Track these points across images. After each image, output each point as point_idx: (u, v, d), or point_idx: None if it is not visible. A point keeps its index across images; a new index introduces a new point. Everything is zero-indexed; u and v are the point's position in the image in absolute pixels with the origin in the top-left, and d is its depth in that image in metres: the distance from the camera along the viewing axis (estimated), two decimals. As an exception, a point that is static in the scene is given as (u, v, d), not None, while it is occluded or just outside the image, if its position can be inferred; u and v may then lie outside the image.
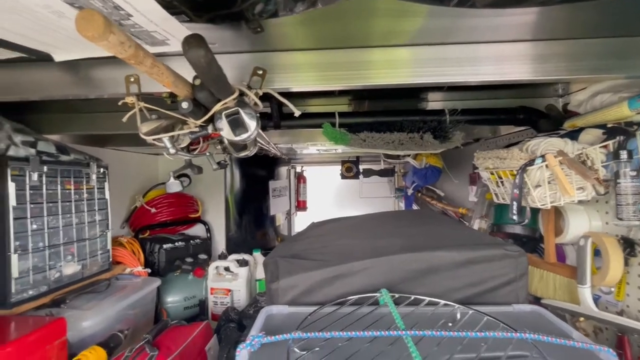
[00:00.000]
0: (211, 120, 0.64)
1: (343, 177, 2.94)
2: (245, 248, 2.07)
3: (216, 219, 2.31)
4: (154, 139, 0.68)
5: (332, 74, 0.75)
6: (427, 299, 0.67)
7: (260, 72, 0.67)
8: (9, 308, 1.07)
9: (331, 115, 1.11)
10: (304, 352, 0.51)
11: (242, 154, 0.81)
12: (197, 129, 0.64)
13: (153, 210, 1.86)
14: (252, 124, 0.60)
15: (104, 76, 0.79)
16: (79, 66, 0.78)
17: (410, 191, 1.73)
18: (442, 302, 0.66)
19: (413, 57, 0.75)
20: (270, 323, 0.67)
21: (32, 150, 1.19)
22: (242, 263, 1.82)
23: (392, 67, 0.75)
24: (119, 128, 1.35)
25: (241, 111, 0.59)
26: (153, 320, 1.58)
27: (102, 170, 1.50)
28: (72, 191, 1.35)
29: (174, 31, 0.59)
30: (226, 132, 0.60)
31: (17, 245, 1.11)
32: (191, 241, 1.96)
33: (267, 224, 2.65)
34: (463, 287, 0.72)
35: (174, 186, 1.21)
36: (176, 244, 1.87)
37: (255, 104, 0.64)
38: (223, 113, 0.59)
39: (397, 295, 0.69)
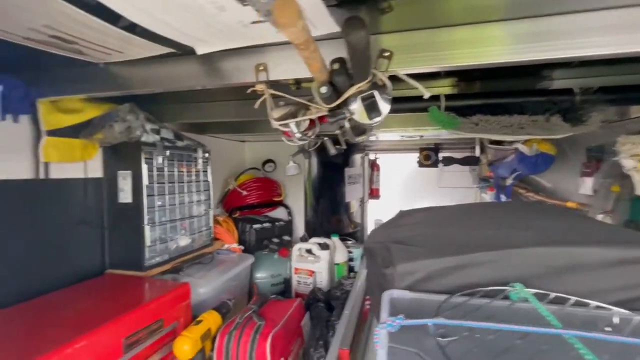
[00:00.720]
0: (339, 105, 0.64)
1: (420, 165, 2.83)
2: (321, 232, 2.14)
3: (296, 203, 2.41)
4: (280, 124, 0.72)
5: (414, 55, 0.70)
6: (574, 298, 0.60)
7: (387, 54, 0.66)
8: (144, 271, 1.27)
9: (435, 98, 1.05)
10: (454, 338, 0.50)
11: (359, 139, 0.82)
12: (327, 113, 0.66)
13: (244, 192, 2.01)
14: (385, 107, 0.60)
15: (232, 66, 0.85)
16: (212, 58, 0.86)
17: (509, 181, 1.58)
18: (595, 303, 0.59)
19: (507, 33, 0.66)
20: (394, 307, 0.67)
21: (157, 137, 1.36)
22: (324, 246, 1.87)
23: (481, 46, 0.67)
24: (216, 116, 1.46)
25: (376, 94, 0.58)
26: (247, 293, 1.73)
27: (206, 155, 1.67)
28: (185, 173, 1.52)
29: (315, 16, 0.61)
30: (359, 116, 0.60)
31: (148, 219, 1.30)
32: (276, 223, 2.09)
33: (342, 211, 2.69)
34: (614, 289, 0.63)
35: (293, 169, 1.28)
36: (264, 224, 2.01)
37: (384, 85, 0.63)
38: (359, 96, 0.59)
39: (532, 291, 0.64)
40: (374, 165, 3.05)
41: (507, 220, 0.91)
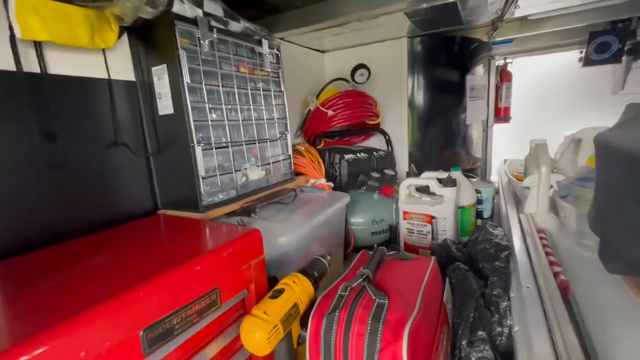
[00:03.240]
0: None
1: (587, 62, 1.85)
2: (430, 168, 1.50)
3: (395, 129, 1.80)
4: None
5: None
6: None
7: None
8: (201, 211, 0.88)
9: None
10: None
11: None
12: None
13: (330, 112, 1.48)
14: None
15: None
16: None
17: None
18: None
19: None
20: None
21: (199, 11, 0.88)
22: (448, 182, 1.26)
23: None
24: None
25: None
26: (343, 244, 1.29)
27: (275, 51, 1.15)
28: (247, 76, 1.04)
29: None
30: None
31: (199, 137, 0.88)
32: (374, 153, 1.54)
33: (458, 140, 1.97)
34: None
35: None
36: (358, 154, 1.48)
37: None
38: None
39: None
40: (503, 74, 2.15)
41: None
